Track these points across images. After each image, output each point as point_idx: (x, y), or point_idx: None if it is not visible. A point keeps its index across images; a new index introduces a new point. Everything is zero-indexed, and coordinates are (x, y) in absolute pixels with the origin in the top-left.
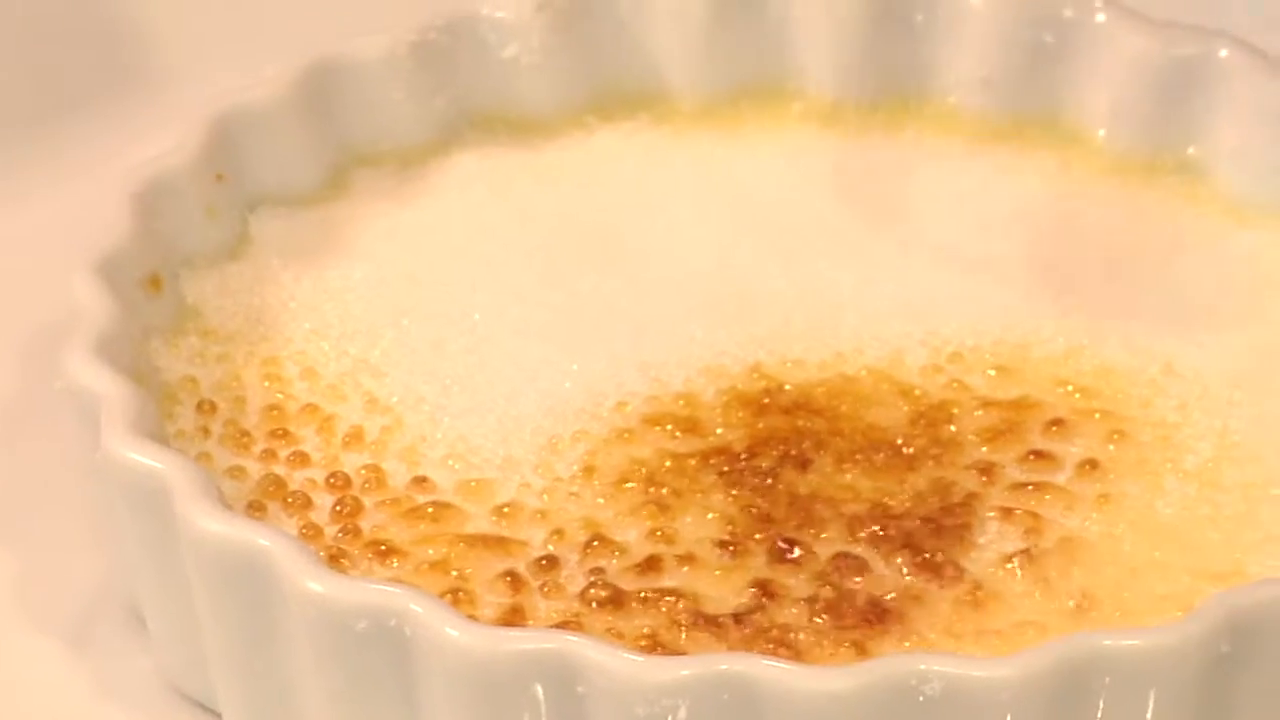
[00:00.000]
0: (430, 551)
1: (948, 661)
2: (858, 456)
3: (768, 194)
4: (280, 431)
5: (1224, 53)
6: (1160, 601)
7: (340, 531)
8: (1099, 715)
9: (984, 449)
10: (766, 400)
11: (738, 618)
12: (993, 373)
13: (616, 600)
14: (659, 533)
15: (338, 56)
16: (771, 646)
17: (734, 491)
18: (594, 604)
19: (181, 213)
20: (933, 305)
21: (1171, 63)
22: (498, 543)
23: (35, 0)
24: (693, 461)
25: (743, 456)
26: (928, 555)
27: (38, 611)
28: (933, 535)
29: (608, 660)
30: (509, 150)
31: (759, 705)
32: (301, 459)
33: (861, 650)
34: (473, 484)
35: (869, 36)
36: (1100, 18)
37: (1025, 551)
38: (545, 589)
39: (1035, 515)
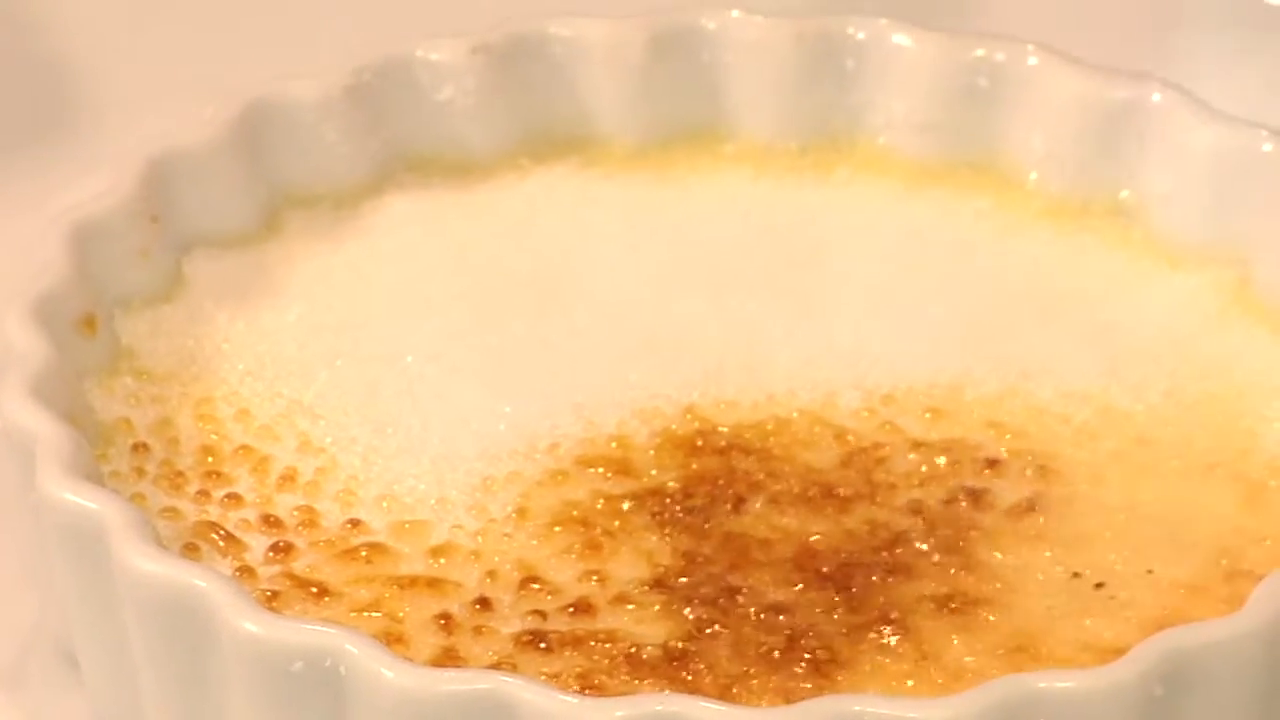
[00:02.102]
0: (364, 593)
1: (881, 703)
2: (791, 498)
3: (700, 236)
4: (214, 473)
5: (1156, 97)
6: (1095, 644)
7: (274, 573)
8: None
9: (917, 490)
10: (700, 442)
11: (671, 659)
12: (926, 415)
13: (550, 641)
14: (592, 574)
15: (272, 98)
16: (705, 688)
17: (667, 533)
18: (527, 645)
19: (116, 254)
20: (865, 347)
21: (1104, 106)
22: (431, 584)
23: None
24: (626, 503)
25: (676, 498)
26: (861, 596)
27: None
28: (866, 576)
29: (542, 701)
30: (443, 192)
31: None
32: (235, 500)
33: (795, 691)
34: (406, 525)
35: (801, 79)
36: (1033, 61)
37: (958, 593)
38: (479, 630)
39: (969, 556)
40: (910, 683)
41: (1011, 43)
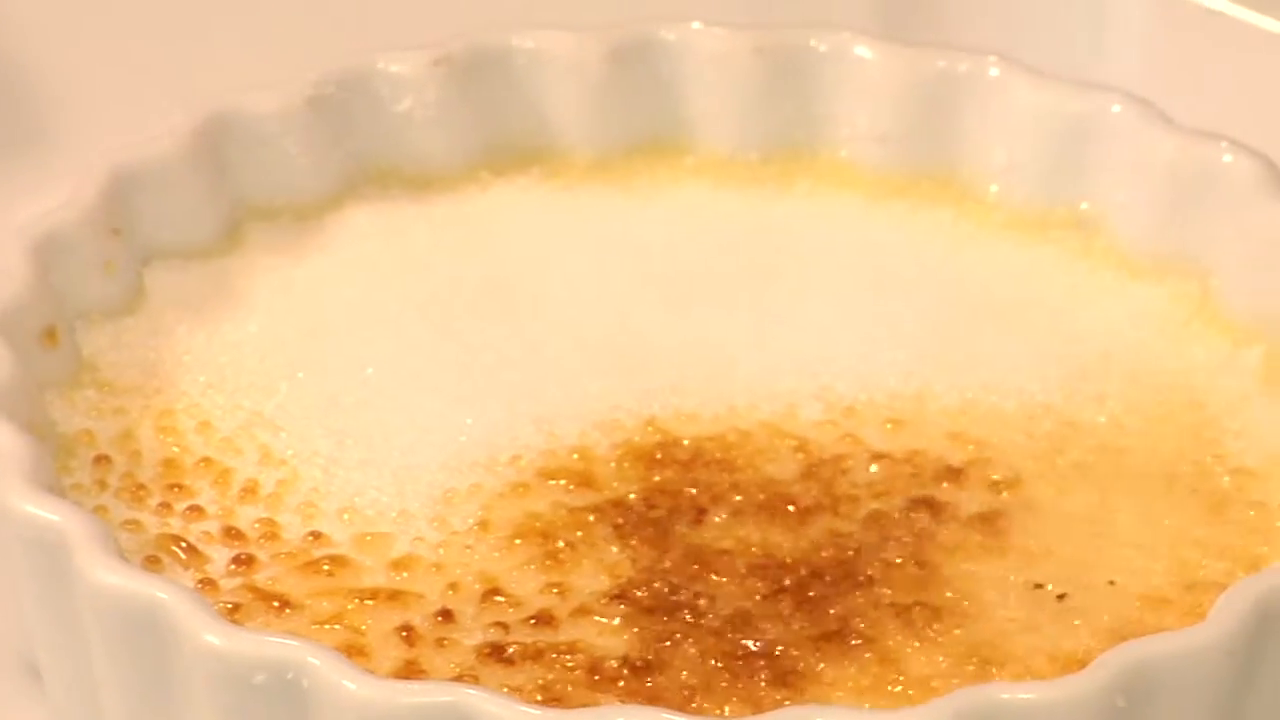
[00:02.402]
0: (326, 605)
1: (844, 714)
2: (753, 509)
3: (661, 248)
4: (176, 485)
5: (1117, 108)
6: (1058, 654)
7: (236, 585)
8: None
9: (878, 501)
10: (661, 454)
11: (633, 671)
12: (888, 426)
13: (512, 654)
14: (554, 586)
15: (233, 110)
16: (667, 699)
17: (629, 545)
18: (489, 657)
19: (78, 266)
20: (827, 359)
21: (1065, 118)
22: (393, 596)
23: None
24: (588, 515)
25: (638, 510)
26: (823, 607)
27: None
28: (828, 588)
29: (504, 713)
30: (404, 204)
31: None
32: (197, 512)
33: (757, 702)
34: (368, 538)
35: (762, 91)
36: (994, 73)
37: (921, 604)
38: (441, 643)
39: (930, 567)
40: (873, 693)
41: (973, 55)
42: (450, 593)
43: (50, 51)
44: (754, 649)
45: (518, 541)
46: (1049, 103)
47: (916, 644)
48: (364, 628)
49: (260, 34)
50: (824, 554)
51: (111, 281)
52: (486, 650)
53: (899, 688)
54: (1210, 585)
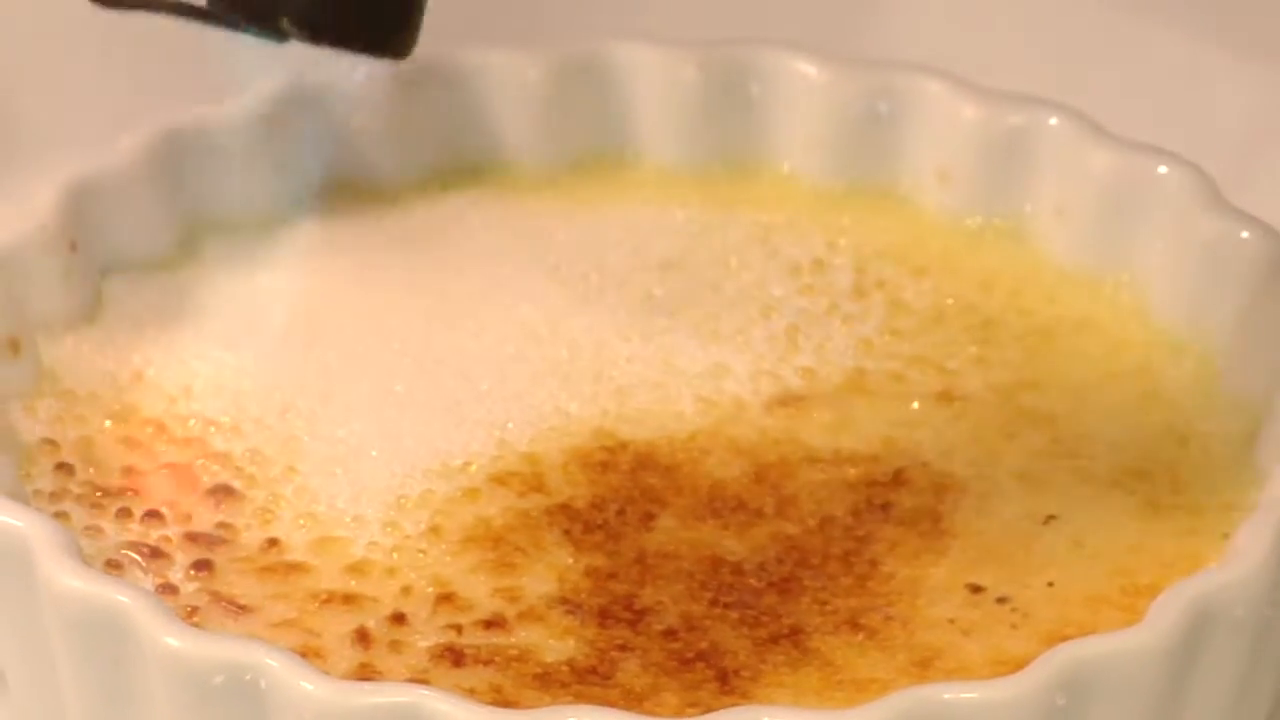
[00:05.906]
0: (283, 609)
1: (789, 715)
2: (699, 513)
3: (608, 260)
4: (136, 491)
5: (1053, 121)
6: (998, 656)
7: (195, 589)
8: None
9: (822, 504)
10: (609, 459)
11: (581, 676)
12: (831, 431)
13: (464, 657)
14: (505, 590)
15: (189, 125)
16: (615, 702)
17: (578, 549)
18: (441, 660)
19: (38, 279)
20: (770, 365)
21: (1002, 131)
22: (347, 600)
23: None
24: (538, 520)
25: (586, 515)
26: (769, 610)
27: None
28: (775, 591)
29: (460, 713)
30: (356, 217)
31: None
32: (157, 518)
33: (704, 706)
34: (323, 542)
35: (706, 107)
36: (932, 87)
37: (864, 607)
38: (394, 646)
39: (873, 570)
40: (817, 695)
41: (911, 70)
42: (403, 596)
43: (6, 69)
44: (701, 652)
45: (469, 546)
46: (986, 115)
47: (860, 647)
48: (319, 631)
49: (216, 49)
50: (769, 557)
51: (71, 293)
52: (439, 653)
53: (843, 690)
54: (1148, 588)
